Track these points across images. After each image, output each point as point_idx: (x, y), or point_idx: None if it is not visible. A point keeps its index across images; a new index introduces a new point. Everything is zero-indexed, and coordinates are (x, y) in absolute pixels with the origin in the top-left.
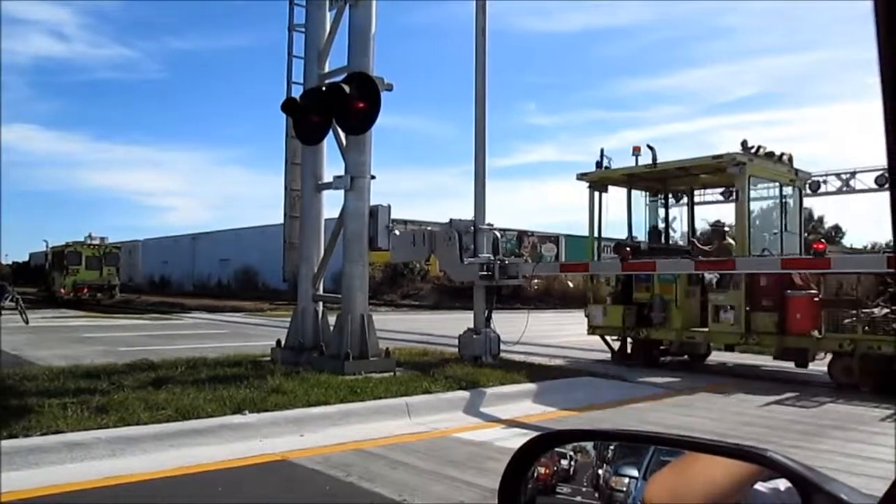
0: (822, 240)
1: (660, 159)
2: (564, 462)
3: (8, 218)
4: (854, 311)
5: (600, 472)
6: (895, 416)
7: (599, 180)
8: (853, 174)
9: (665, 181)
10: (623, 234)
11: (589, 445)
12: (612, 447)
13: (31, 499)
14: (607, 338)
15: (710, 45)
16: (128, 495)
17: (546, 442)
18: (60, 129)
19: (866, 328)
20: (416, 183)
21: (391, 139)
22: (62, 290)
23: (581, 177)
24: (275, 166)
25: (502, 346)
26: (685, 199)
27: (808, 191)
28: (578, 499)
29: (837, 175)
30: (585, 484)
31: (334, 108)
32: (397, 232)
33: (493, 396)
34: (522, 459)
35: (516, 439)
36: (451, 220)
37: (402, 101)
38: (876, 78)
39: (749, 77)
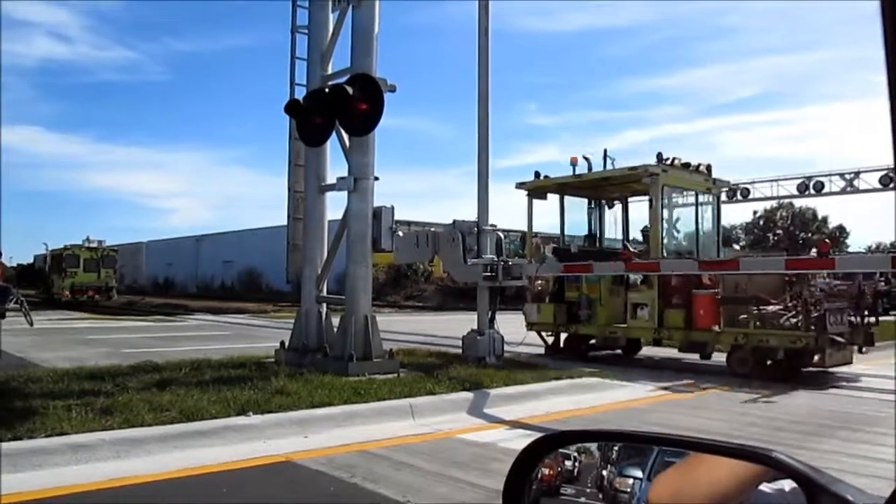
0: (827, 240)
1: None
2: (568, 463)
3: (12, 220)
4: (755, 308)
5: (604, 473)
6: None
7: (536, 189)
8: (857, 174)
9: (596, 189)
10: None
11: (593, 446)
12: (615, 448)
13: (35, 500)
14: (542, 333)
15: (712, 45)
16: (132, 497)
17: (550, 443)
18: (63, 131)
19: (757, 324)
20: (419, 184)
21: (394, 140)
22: (62, 292)
23: (519, 185)
24: (277, 168)
25: (506, 347)
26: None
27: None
28: (583, 500)
29: (841, 175)
30: (589, 485)
31: (337, 110)
32: (401, 233)
33: (497, 397)
34: (526, 460)
35: (520, 440)
36: (454, 221)
37: (405, 103)
38: (881, 77)
39: (750, 77)
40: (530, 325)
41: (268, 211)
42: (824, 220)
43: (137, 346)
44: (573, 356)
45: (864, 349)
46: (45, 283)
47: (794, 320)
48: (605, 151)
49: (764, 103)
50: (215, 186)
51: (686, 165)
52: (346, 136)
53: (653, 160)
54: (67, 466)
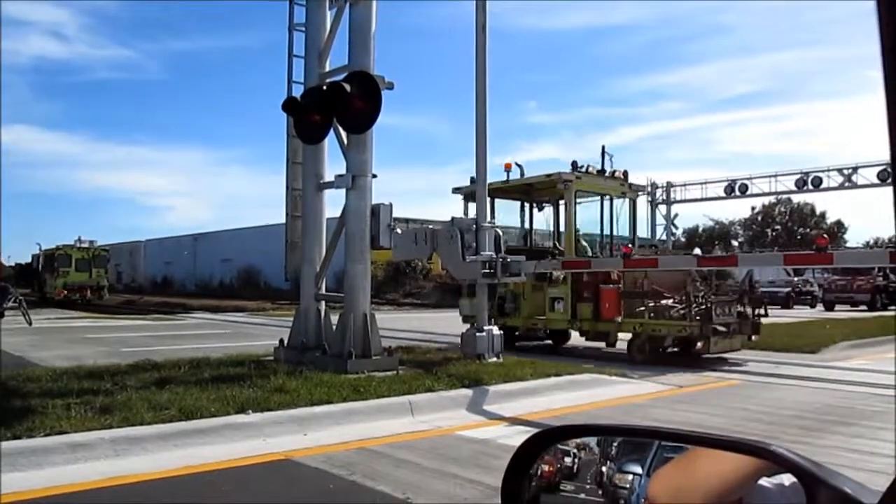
0: (825, 235)
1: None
2: (568, 459)
3: (10, 220)
4: (650, 302)
5: (604, 469)
6: None
7: (471, 193)
8: (855, 169)
9: (525, 193)
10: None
11: (592, 443)
12: (615, 444)
13: (34, 499)
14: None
15: (710, 43)
16: (131, 496)
17: (548, 438)
18: (61, 130)
19: (651, 315)
20: (417, 182)
21: (392, 138)
22: (56, 291)
23: (455, 190)
24: (276, 166)
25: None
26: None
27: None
28: (582, 496)
29: (839, 170)
30: (589, 481)
31: (335, 108)
32: (399, 230)
33: (495, 394)
34: (525, 456)
35: (519, 437)
36: (452, 218)
37: (404, 100)
38: (878, 73)
39: (749, 74)
40: (465, 318)
41: (266, 209)
42: (822, 215)
43: (136, 344)
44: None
45: (752, 337)
46: (38, 282)
47: (682, 312)
48: (604, 148)
49: (762, 100)
50: (214, 185)
51: (601, 172)
52: (343, 134)
53: (651, 157)
54: (67, 465)
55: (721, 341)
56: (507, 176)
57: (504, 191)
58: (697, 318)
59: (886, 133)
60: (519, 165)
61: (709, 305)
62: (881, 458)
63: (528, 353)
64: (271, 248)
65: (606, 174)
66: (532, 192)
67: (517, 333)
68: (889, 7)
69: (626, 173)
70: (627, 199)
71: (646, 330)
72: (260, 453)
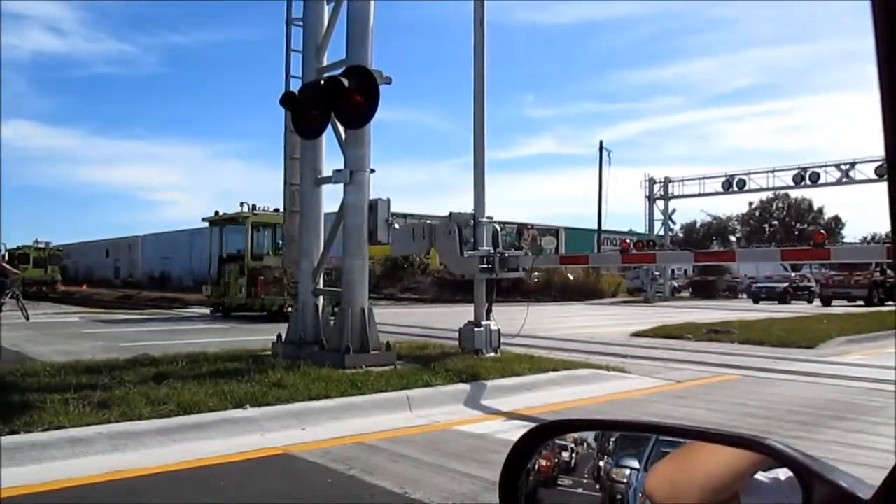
0: (822, 230)
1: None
2: (565, 454)
3: (7, 215)
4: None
5: (601, 463)
6: None
7: (214, 222)
8: (853, 165)
9: (235, 221)
10: None
11: (590, 437)
12: (612, 439)
13: (33, 494)
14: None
15: (708, 37)
16: (130, 490)
17: (545, 433)
18: (58, 125)
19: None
20: (415, 177)
21: (390, 133)
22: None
23: (205, 219)
24: (274, 161)
25: (503, 339)
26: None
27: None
28: (580, 491)
29: (837, 166)
30: (587, 476)
31: (333, 102)
32: (397, 226)
33: (493, 389)
34: (523, 450)
35: (517, 431)
36: (450, 213)
37: (402, 95)
38: (874, 68)
39: (747, 68)
40: (207, 297)
41: (265, 204)
42: (820, 210)
43: (134, 339)
44: (224, 315)
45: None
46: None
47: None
48: (601, 143)
49: (760, 94)
50: (212, 180)
51: (276, 210)
52: (341, 129)
53: (649, 152)
54: (65, 460)
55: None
56: (218, 212)
57: (226, 221)
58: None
59: (881, 130)
60: (246, 204)
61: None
62: (879, 454)
63: (238, 320)
64: None
65: (274, 209)
66: (235, 221)
67: (232, 309)
68: (884, 4)
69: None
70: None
71: (275, 303)
72: (258, 448)
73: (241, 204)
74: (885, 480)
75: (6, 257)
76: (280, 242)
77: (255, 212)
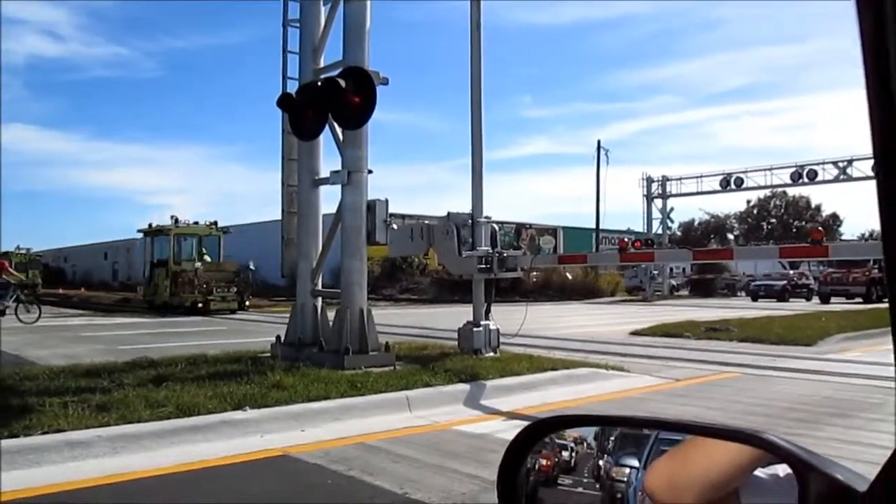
0: (820, 228)
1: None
2: (565, 453)
3: (5, 219)
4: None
5: (601, 462)
6: None
7: (147, 233)
8: (850, 162)
9: (161, 232)
10: None
11: (590, 437)
12: (612, 438)
13: (33, 497)
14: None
15: (705, 36)
16: (129, 493)
17: (541, 429)
18: (56, 129)
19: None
20: (413, 177)
21: (388, 134)
22: None
23: (139, 230)
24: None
25: (502, 339)
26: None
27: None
28: (580, 490)
29: (834, 163)
30: (587, 475)
31: (330, 103)
32: (395, 226)
33: (493, 389)
34: (520, 447)
35: (517, 431)
36: (448, 213)
37: (399, 96)
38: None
39: (744, 67)
40: (143, 295)
41: (263, 206)
42: (818, 208)
43: (132, 342)
44: (156, 311)
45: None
46: None
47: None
48: (599, 143)
49: (757, 93)
50: (210, 182)
51: (195, 223)
52: (339, 130)
53: (647, 151)
54: (64, 463)
55: (220, 304)
56: (151, 224)
57: (154, 232)
58: (200, 292)
59: (869, 130)
60: (174, 218)
61: (210, 284)
62: (879, 450)
63: (163, 313)
64: (267, 245)
65: (199, 223)
66: (162, 232)
67: (160, 305)
68: (868, 5)
69: (215, 223)
70: (216, 235)
71: (185, 300)
72: (257, 449)
73: (171, 217)
74: (879, 473)
75: (12, 262)
76: (204, 250)
77: (177, 225)
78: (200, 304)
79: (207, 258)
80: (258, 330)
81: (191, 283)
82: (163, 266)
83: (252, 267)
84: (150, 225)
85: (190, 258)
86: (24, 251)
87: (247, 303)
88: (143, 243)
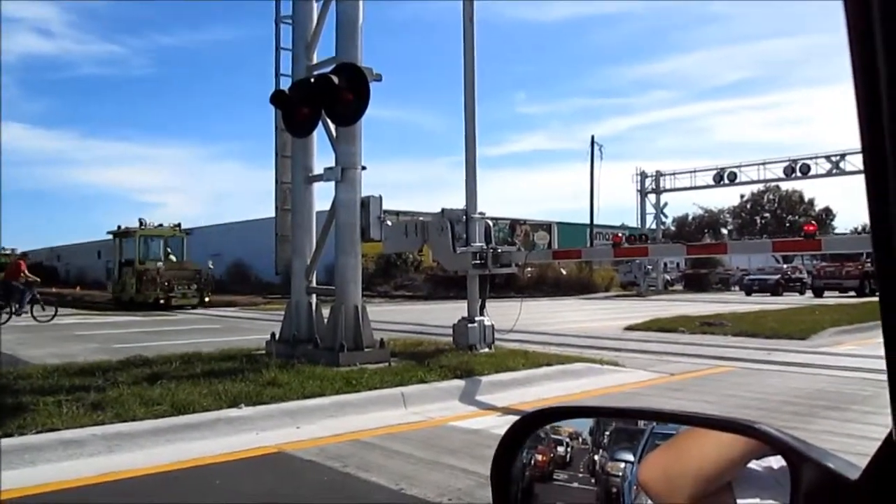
0: (813, 222)
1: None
2: (561, 448)
3: (4, 218)
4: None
5: (596, 457)
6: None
7: (116, 235)
8: (843, 156)
9: (130, 234)
10: None
11: (585, 432)
12: (607, 433)
13: (28, 496)
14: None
15: (699, 31)
16: (125, 491)
17: (533, 422)
18: (49, 127)
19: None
20: (407, 174)
21: (381, 131)
22: None
23: (109, 232)
24: (266, 160)
25: (497, 335)
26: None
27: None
28: (575, 485)
29: (827, 158)
30: (582, 469)
31: (323, 100)
32: (389, 223)
33: (488, 384)
34: (513, 440)
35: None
36: (443, 209)
37: (392, 93)
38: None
39: (738, 62)
40: (112, 292)
41: (258, 204)
42: (811, 202)
43: (127, 341)
44: (122, 307)
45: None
46: None
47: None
48: (593, 138)
49: (751, 88)
50: (204, 180)
51: (160, 226)
52: (332, 127)
53: (641, 146)
54: (59, 462)
55: (181, 300)
56: (120, 227)
57: (122, 234)
58: (164, 289)
59: (857, 126)
60: (140, 220)
61: (170, 281)
62: (872, 442)
63: (129, 309)
64: (261, 242)
65: (162, 226)
66: (129, 234)
67: (127, 302)
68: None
69: (179, 225)
70: (179, 237)
71: (148, 297)
72: (253, 447)
73: (139, 220)
74: (870, 461)
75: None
76: (169, 250)
77: (142, 227)
78: (162, 301)
79: (173, 258)
80: (253, 327)
81: (153, 281)
82: (130, 265)
83: (211, 266)
84: (118, 227)
85: (157, 258)
86: (8, 251)
87: (206, 299)
88: (112, 244)
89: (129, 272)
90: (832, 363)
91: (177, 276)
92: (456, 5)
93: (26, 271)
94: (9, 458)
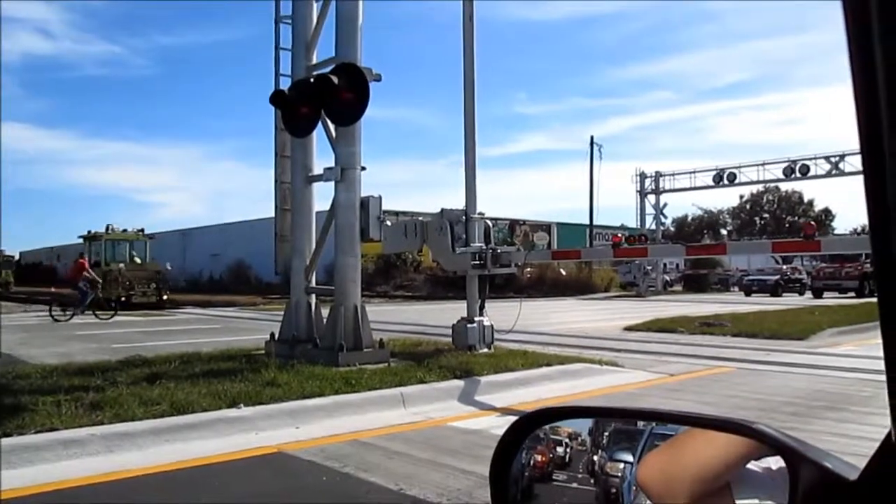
0: (813, 222)
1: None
2: (560, 449)
3: (4, 218)
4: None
5: (596, 458)
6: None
7: (86, 238)
8: (842, 157)
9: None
10: None
11: (584, 432)
12: (606, 433)
13: (27, 496)
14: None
15: (699, 31)
16: (124, 491)
17: (531, 422)
18: (49, 127)
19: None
20: (407, 174)
21: (381, 131)
22: None
23: (79, 237)
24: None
25: (496, 335)
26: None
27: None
28: (574, 485)
29: (827, 158)
30: (581, 470)
31: (323, 100)
32: (389, 223)
33: (487, 385)
34: (512, 441)
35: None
36: (442, 210)
37: (392, 93)
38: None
39: (738, 62)
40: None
41: (259, 204)
42: (810, 203)
43: (126, 340)
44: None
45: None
46: None
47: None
48: (592, 139)
49: (751, 88)
50: (204, 180)
51: (125, 230)
52: (332, 127)
53: (641, 147)
54: (58, 462)
55: (142, 300)
56: (89, 231)
57: (91, 238)
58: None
59: (855, 128)
60: (109, 226)
61: (131, 282)
62: (871, 443)
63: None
64: (260, 242)
65: (126, 231)
66: (97, 238)
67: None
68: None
69: (142, 230)
70: (143, 241)
71: (111, 296)
72: (252, 447)
73: (106, 226)
74: (869, 462)
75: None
76: (134, 253)
77: (108, 232)
78: (123, 299)
79: (137, 260)
80: (252, 327)
81: (116, 281)
82: (97, 267)
83: (169, 268)
84: (88, 231)
85: (123, 260)
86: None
87: (164, 297)
88: (83, 248)
89: (97, 273)
90: (831, 364)
91: (137, 276)
92: (456, 4)
93: (89, 270)
94: (8, 457)
